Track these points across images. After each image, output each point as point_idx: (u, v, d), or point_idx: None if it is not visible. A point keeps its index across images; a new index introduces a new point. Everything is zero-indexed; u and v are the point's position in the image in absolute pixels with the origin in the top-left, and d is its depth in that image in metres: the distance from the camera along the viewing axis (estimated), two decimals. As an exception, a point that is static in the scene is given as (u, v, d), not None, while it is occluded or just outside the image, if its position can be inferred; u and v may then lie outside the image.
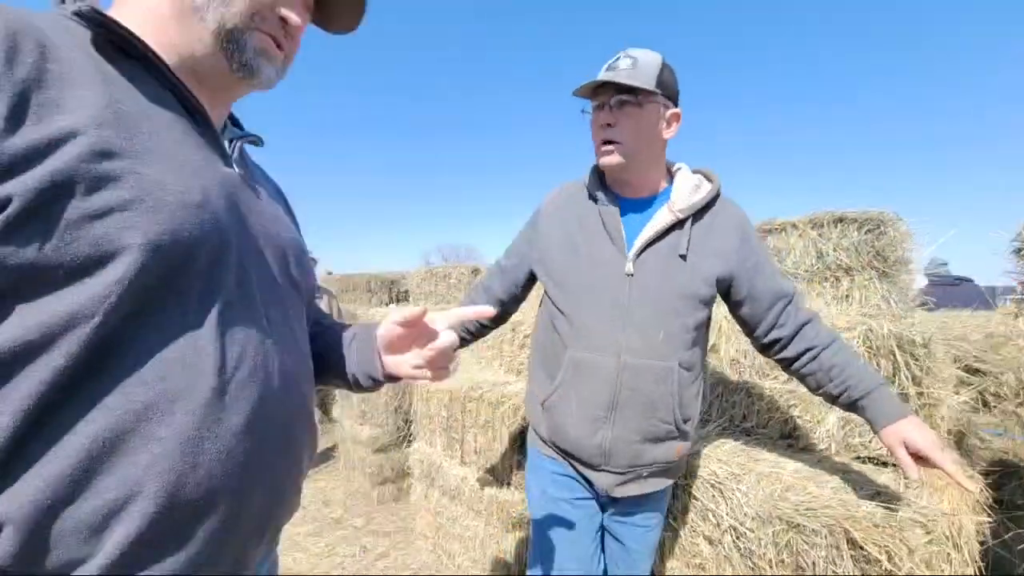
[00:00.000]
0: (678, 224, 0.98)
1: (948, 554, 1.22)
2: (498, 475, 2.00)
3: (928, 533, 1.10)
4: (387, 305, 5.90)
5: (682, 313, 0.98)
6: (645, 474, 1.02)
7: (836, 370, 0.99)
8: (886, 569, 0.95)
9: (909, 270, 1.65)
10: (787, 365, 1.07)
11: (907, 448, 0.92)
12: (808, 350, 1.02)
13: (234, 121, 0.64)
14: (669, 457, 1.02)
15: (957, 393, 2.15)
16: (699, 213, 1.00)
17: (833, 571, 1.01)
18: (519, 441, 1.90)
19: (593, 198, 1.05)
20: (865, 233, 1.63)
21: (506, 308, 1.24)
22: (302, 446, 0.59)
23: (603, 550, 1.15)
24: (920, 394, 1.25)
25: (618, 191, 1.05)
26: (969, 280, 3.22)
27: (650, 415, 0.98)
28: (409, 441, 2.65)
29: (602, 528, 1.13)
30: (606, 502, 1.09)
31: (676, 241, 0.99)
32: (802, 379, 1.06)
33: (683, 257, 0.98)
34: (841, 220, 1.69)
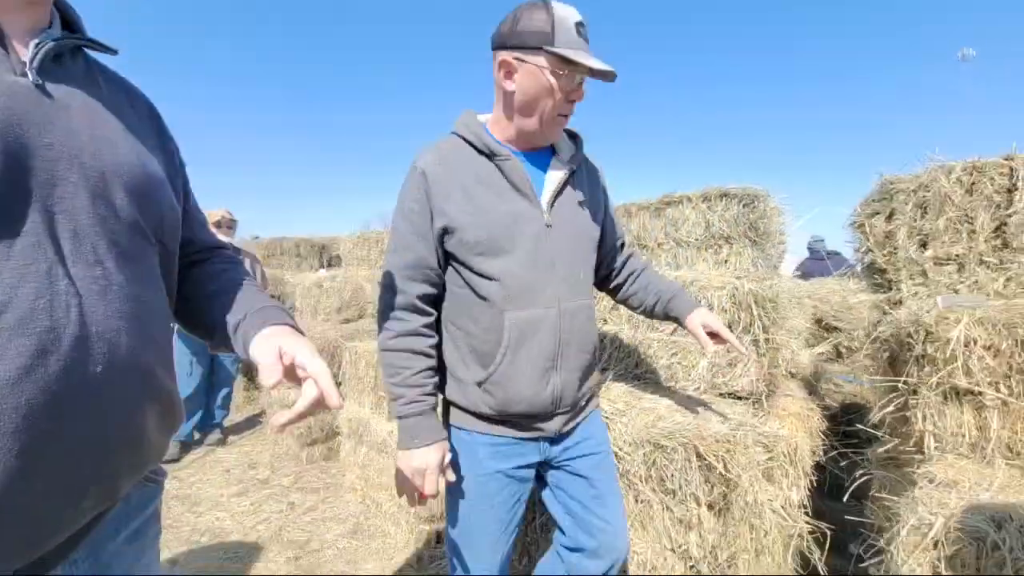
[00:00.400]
0: (571, 175, 1.08)
1: (786, 469, 1.52)
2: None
3: (768, 451, 1.37)
4: (317, 271, 5.71)
5: (589, 255, 1.12)
6: (583, 403, 1.13)
7: (652, 286, 1.24)
8: (721, 474, 1.19)
9: (778, 240, 1.93)
10: (616, 291, 1.29)
11: (704, 329, 1.16)
12: (631, 274, 1.26)
13: (69, 25, 0.58)
14: (594, 384, 1.16)
15: (813, 346, 2.55)
16: (580, 165, 1.12)
17: (684, 479, 1.24)
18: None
19: (486, 154, 1.01)
20: (743, 207, 1.87)
21: (437, 301, 1.07)
22: (132, 405, 0.53)
23: (531, 515, 1.17)
24: (767, 340, 1.51)
25: (511, 145, 1.04)
26: (839, 254, 3.76)
27: (583, 352, 1.07)
28: (338, 402, 2.70)
29: (540, 494, 1.15)
30: (549, 447, 1.08)
31: (574, 190, 1.09)
32: (627, 300, 1.28)
33: (581, 204, 1.09)
34: (726, 195, 1.92)
